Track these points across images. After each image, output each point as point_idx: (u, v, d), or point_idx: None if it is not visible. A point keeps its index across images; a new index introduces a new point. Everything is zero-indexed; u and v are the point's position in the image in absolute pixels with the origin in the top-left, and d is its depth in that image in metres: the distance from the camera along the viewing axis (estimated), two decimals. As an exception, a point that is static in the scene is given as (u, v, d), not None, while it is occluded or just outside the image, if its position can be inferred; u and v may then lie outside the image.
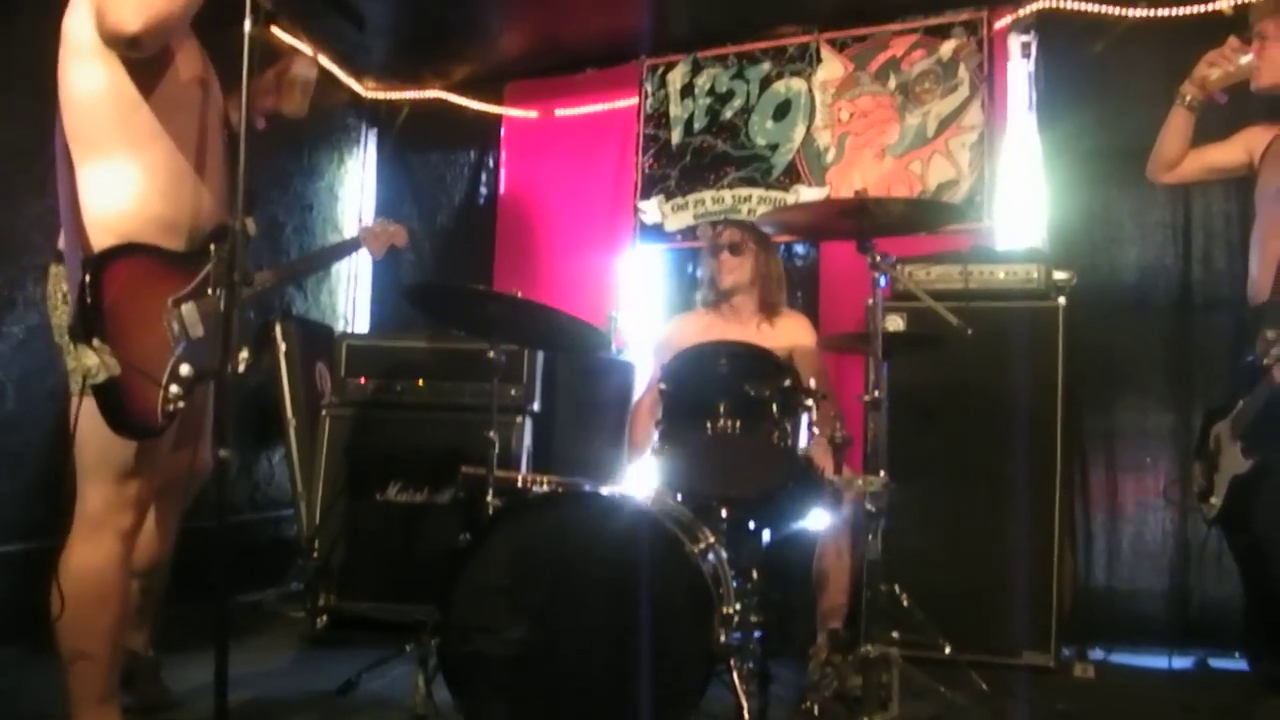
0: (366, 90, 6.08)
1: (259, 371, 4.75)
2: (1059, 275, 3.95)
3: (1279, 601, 3.24)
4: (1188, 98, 3.40)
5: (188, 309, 2.47)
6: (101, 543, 2.47)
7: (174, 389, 2.40)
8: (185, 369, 2.42)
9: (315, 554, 4.20)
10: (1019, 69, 4.91)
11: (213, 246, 2.55)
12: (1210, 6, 4.48)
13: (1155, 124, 3.53)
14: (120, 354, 2.30)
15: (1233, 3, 4.46)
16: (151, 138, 2.49)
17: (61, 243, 2.48)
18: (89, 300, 2.28)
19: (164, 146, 2.51)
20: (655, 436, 3.13)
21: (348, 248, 4.15)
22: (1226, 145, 3.46)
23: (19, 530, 3.81)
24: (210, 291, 2.51)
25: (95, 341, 2.26)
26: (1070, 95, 4.72)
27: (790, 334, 4.03)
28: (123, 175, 2.46)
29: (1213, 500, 3.31)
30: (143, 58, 2.42)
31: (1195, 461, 3.50)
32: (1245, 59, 3.27)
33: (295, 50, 2.95)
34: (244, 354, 2.40)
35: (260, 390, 4.87)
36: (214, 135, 2.68)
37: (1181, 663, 3.91)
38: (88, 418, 2.35)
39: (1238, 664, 3.88)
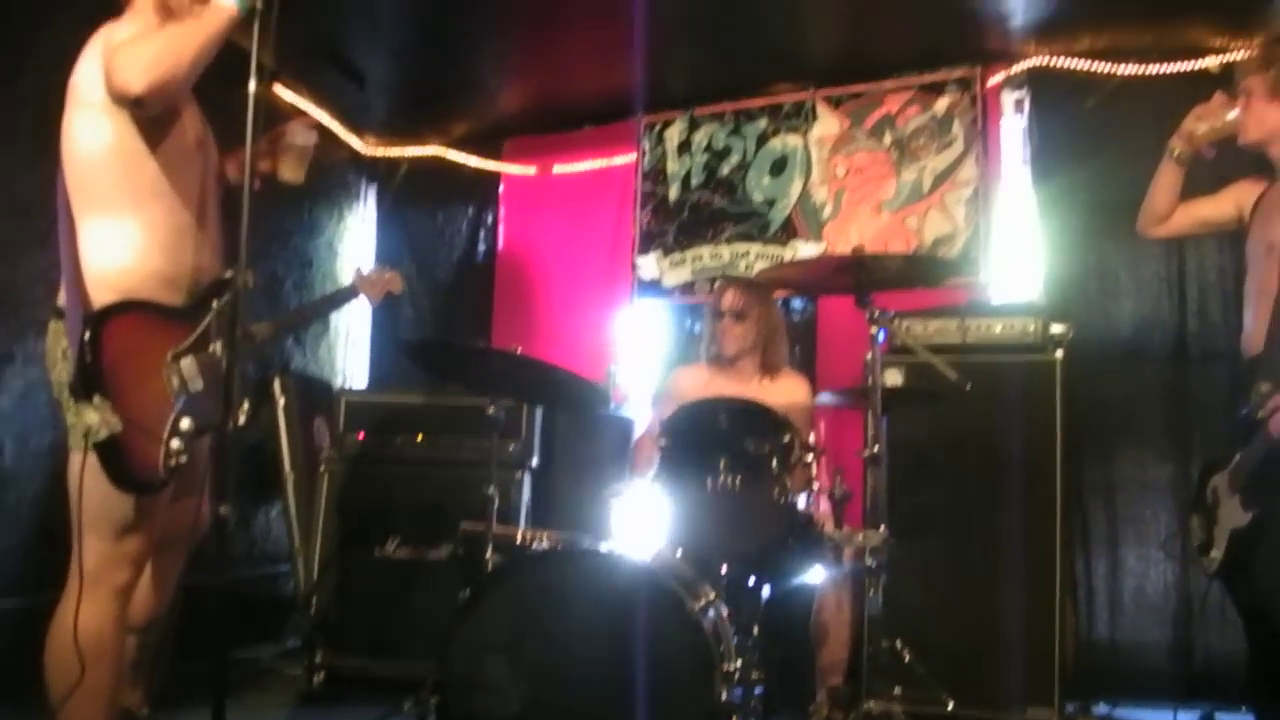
0: (366, 147, 6.13)
1: (257, 427, 4.74)
2: (1056, 328, 3.96)
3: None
4: (1176, 151, 3.43)
5: (187, 363, 2.49)
6: (98, 599, 2.46)
7: (175, 443, 2.42)
8: (186, 423, 2.44)
9: (312, 610, 4.17)
10: (1012, 125, 4.97)
11: (215, 302, 2.57)
12: (1198, 64, 4.56)
13: (1147, 178, 3.56)
14: (121, 410, 2.31)
15: (1220, 60, 4.54)
16: (154, 194, 2.52)
17: (61, 298, 2.50)
18: (89, 357, 2.30)
19: (166, 203, 2.54)
20: (655, 485, 3.13)
21: (345, 296, 4.15)
22: (1216, 199, 3.49)
23: (14, 586, 3.79)
24: (210, 345, 2.53)
25: (96, 399, 2.28)
26: (1063, 150, 4.78)
27: (788, 392, 4.03)
28: (124, 231, 2.49)
29: (1213, 554, 3.30)
30: (150, 115, 2.45)
31: (1193, 514, 3.50)
32: (1232, 114, 3.30)
33: (294, 115, 2.96)
34: (245, 406, 2.41)
35: (258, 445, 4.85)
36: (212, 191, 2.72)
37: (1187, 717, 3.86)
38: (87, 473, 2.35)
39: (1244, 718, 3.84)
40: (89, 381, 2.30)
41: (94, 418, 2.28)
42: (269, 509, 5.31)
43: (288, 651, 4.88)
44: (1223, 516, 3.24)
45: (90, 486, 2.37)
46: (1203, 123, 3.36)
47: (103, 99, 2.43)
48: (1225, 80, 3.85)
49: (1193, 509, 3.47)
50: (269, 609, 5.10)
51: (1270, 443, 2.96)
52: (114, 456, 2.32)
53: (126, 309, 2.42)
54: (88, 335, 2.32)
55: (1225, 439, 3.46)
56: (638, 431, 4.76)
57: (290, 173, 2.93)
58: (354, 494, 4.27)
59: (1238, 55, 4.52)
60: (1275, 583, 3.09)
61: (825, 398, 3.88)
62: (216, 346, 2.56)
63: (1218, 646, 4.19)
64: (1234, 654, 4.03)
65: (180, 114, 2.58)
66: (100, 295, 2.41)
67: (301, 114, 2.88)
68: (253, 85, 2.32)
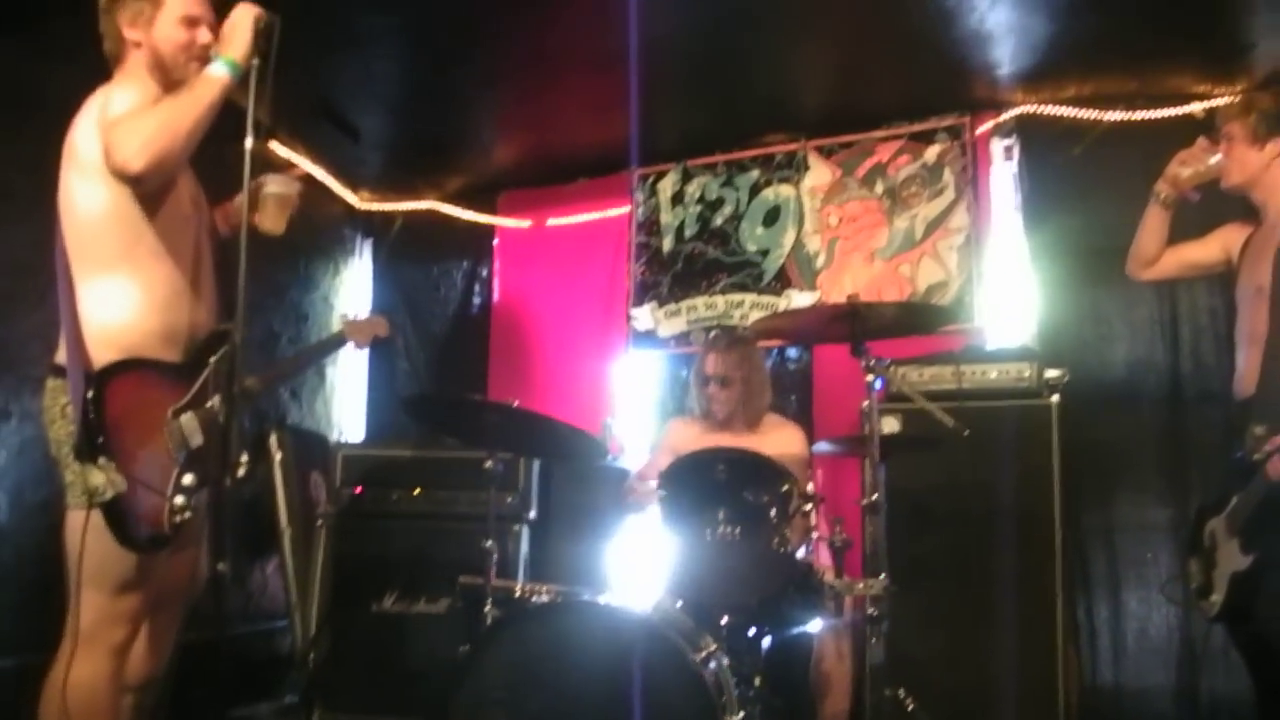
0: (361, 201, 6.17)
1: (254, 481, 4.73)
2: (1051, 373, 3.98)
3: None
4: (1161, 195, 3.47)
5: (187, 419, 2.51)
6: (93, 657, 2.45)
7: (179, 499, 2.43)
8: (189, 479, 2.45)
9: (310, 666, 4.14)
10: (1003, 172, 5.02)
11: (211, 358, 2.60)
12: (1183, 110, 4.62)
13: (1136, 223, 3.59)
14: (125, 469, 2.32)
15: (1204, 106, 4.60)
16: (152, 255, 2.56)
17: (60, 356, 2.50)
18: (93, 415, 2.31)
19: (163, 262, 2.58)
20: (654, 534, 3.12)
21: (333, 344, 4.13)
22: (1204, 243, 3.52)
23: (10, 643, 3.75)
24: (208, 400, 2.55)
25: (101, 460, 2.28)
26: (1053, 196, 4.82)
27: (783, 442, 4.01)
28: (123, 290, 2.52)
29: (1213, 598, 3.28)
30: (149, 190, 2.48)
31: (1191, 558, 3.49)
32: (1214, 159, 3.35)
33: (288, 169, 2.98)
34: (244, 458, 2.44)
35: (255, 500, 4.83)
36: (206, 248, 2.75)
37: (1192, 762, 3.85)
38: (89, 531, 2.34)
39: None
40: (93, 441, 2.30)
41: (99, 479, 2.28)
42: (265, 564, 5.28)
43: (285, 708, 4.82)
44: (1221, 560, 3.23)
45: (91, 543, 2.36)
46: (1186, 167, 3.40)
47: (99, 164, 2.45)
48: (1210, 125, 3.91)
49: (1189, 552, 3.47)
50: (266, 666, 5.05)
51: (1269, 485, 2.96)
52: (119, 516, 2.32)
53: (128, 367, 2.43)
54: (91, 394, 2.33)
55: (1220, 482, 3.47)
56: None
57: (270, 223, 2.92)
58: (351, 548, 4.25)
59: (1222, 100, 4.59)
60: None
61: (823, 446, 3.88)
62: (215, 401, 2.57)
63: (1223, 689, 4.16)
64: (1239, 697, 4.00)
65: (176, 177, 2.61)
66: (101, 354, 2.43)
67: (293, 166, 2.88)
68: (249, 142, 2.35)
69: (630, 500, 4.07)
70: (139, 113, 2.48)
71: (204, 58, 2.55)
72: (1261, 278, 3.21)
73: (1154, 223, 3.51)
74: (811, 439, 4.21)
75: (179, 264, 2.60)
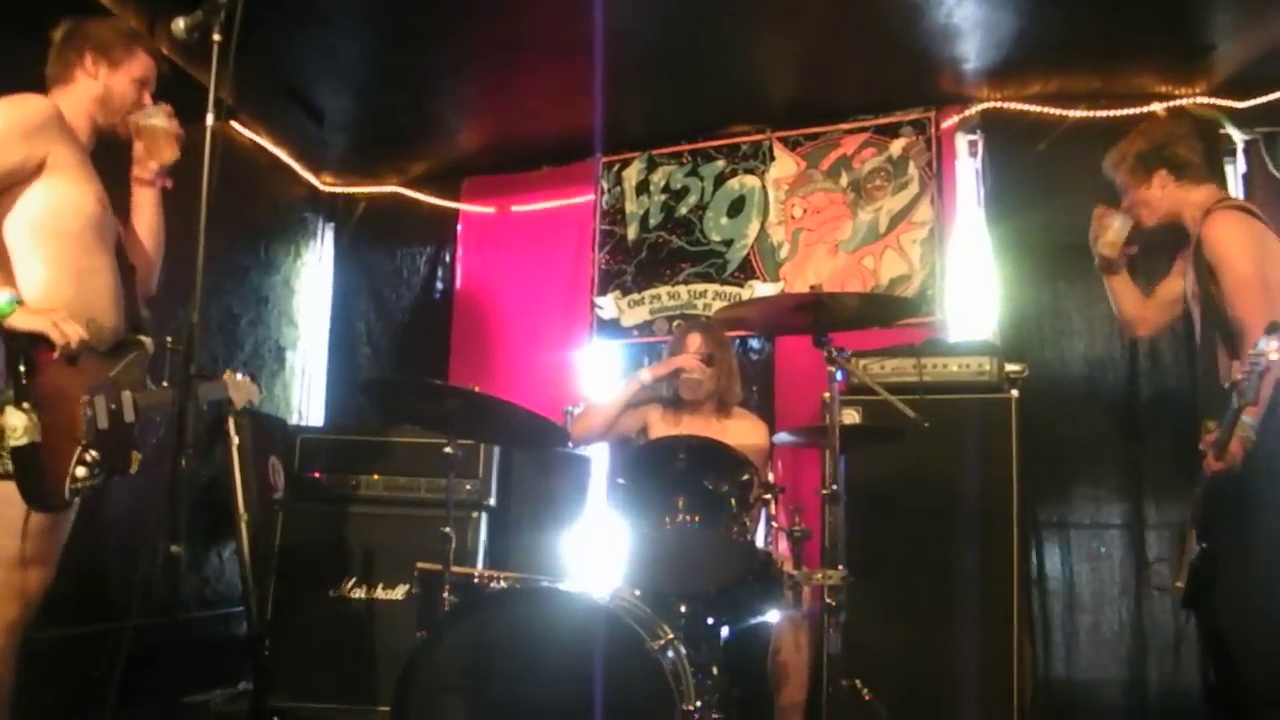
0: (324, 185, 6.11)
1: (211, 465, 4.68)
2: (1011, 367, 4.01)
3: (1242, 687, 3.26)
4: (1104, 268, 3.60)
5: (100, 401, 2.57)
6: None
7: (81, 471, 2.48)
8: (91, 456, 2.51)
9: (266, 652, 4.10)
10: (967, 166, 5.05)
11: (127, 356, 2.72)
12: (1145, 109, 4.67)
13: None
14: (42, 423, 2.38)
15: (1165, 106, 4.65)
16: (62, 246, 2.65)
17: None
18: (23, 368, 2.39)
19: (68, 245, 2.65)
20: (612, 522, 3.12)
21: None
22: (1172, 276, 3.63)
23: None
24: (120, 392, 2.64)
25: (25, 405, 2.35)
26: (1017, 192, 4.86)
27: (746, 433, 4.01)
28: (39, 275, 2.59)
29: (1177, 584, 3.36)
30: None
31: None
32: (1119, 218, 3.51)
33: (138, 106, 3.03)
34: (136, 456, 2.67)
35: (211, 484, 4.78)
36: (110, 249, 2.81)
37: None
38: None
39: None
40: (18, 386, 2.37)
41: (20, 420, 2.34)
42: (222, 549, 5.22)
43: (240, 695, 4.79)
44: (1187, 548, 3.32)
45: None
46: (1102, 239, 3.58)
47: None
48: (1175, 121, 3.98)
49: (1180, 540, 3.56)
50: (221, 651, 5.01)
51: (1208, 478, 3.04)
52: (30, 467, 2.38)
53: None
54: (24, 350, 2.41)
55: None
56: (594, 480, 4.76)
57: (168, 153, 2.98)
58: (309, 534, 4.21)
59: (1184, 100, 4.65)
60: (1229, 620, 3.14)
61: (783, 437, 3.88)
62: (126, 396, 2.67)
63: (1173, 682, 4.23)
64: (1189, 689, 4.08)
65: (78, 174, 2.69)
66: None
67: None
68: (210, 119, 2.32)
69: (574, 433, 4.06)
70: None
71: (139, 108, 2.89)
72: (1190, 286, 3.38)
73: (1117, 289, 3.66)
74: (773, 429, 4.22)
75: (88, 258, 2.67)
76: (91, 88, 2.82)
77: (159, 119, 2.95)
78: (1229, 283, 3.15)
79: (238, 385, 3.93)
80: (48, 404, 2.42)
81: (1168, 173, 3.40)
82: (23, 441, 2.34)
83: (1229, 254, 3.16)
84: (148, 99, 2.92)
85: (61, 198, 2.63)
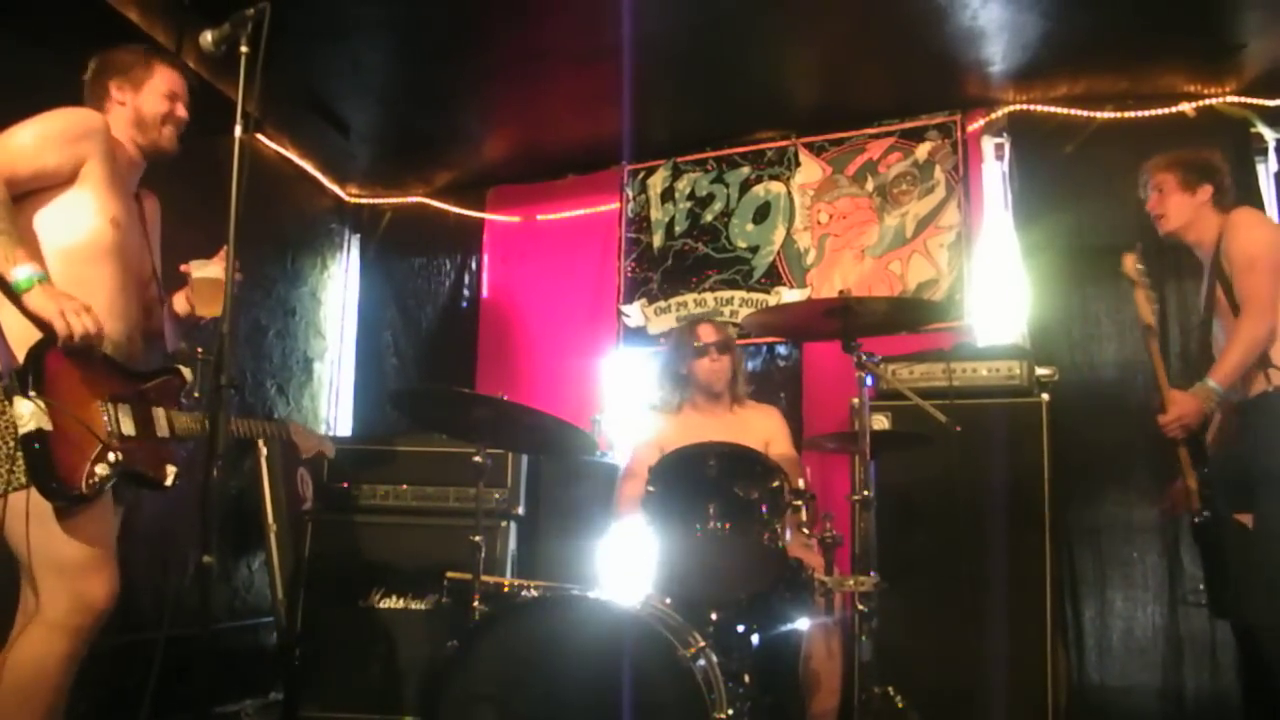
0: (350, 196, 6.15)
1: (240, 476, 4.70)
2: (1041, 371, 3.98)
3: (1276, 691, 3.24)
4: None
5: (124, 409, 2.63)
6: (52, 638, 2.48)
7: (100, 468, 2.50)
8: (114, 456, 2.54)
9: (295, 662, 4.11)
10: (993, 170, 5.03)
11: (158, 379, 2.82)
12: (1174, 109, 4.63)
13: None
14: (54, 418, 2.42)
15: (1194, 105, 4.62)
16: (89, 262, 2.70)
17: None
18: (33, 362, 2.43)
19: (102, 266, 2.71)
20: (643, 530, 3.10)
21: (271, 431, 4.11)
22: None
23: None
24: (151, 409, 2.73)
25: (31, 394, 2.39)
26: (1044, 195, 4.82)
27: (764, 419, 4.01)
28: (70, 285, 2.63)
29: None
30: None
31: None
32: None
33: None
34: (171, 469, 2.71)
35: (241, 495, 4.81)
36: (137, 279, 2.88)
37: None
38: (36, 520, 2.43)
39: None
40: (25, 378, 2.41)
41: (27, 408, 2.37)
42: (251, 560, 5.25)
43: (270, 705, 4.80)
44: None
45: (42, 530, 2.45)
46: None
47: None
48: (1202, 124, 3.94)
49: None
50: (251, 662, 5.03)
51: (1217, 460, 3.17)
52: (40, 460, 2.39)
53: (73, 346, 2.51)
54: (37, 345, 2.44)
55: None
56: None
57: (203, 308, 3.03)
58: (338, 544, 4.23)
59: (1213, 100, 4.60)
60: (1257, 611, 3.18)
61: (813, 443, 3.86)
62: (158, 412, 2.75)
63: (1208, 687, 4.18)
64: (1224, 694, 4.02)
65: (104, 189, 2.72)
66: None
67: (220, 249, 2.95)
68: (238, 131, 2.33)
69: (620, 505, 4.05)
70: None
71: (178, 125, 2.93)
72: (1204, 289, 3.54)
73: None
74: (801, 436, 4.20)
75: (88, 267, 2.69)
76: (124, 114, 2.87)
77: (212, 271, 2.99)
78: (1243, 261, 3.32)
79: (305, 435, 3.94)
80: (67, 398, 2.46)
81: (1214, 191, 3.51)
82: (30, 428, 2.37)
83: (1252, 238, 3.35)
84: (181, 110, 2.95)
85: (79, 207, 2.66)
